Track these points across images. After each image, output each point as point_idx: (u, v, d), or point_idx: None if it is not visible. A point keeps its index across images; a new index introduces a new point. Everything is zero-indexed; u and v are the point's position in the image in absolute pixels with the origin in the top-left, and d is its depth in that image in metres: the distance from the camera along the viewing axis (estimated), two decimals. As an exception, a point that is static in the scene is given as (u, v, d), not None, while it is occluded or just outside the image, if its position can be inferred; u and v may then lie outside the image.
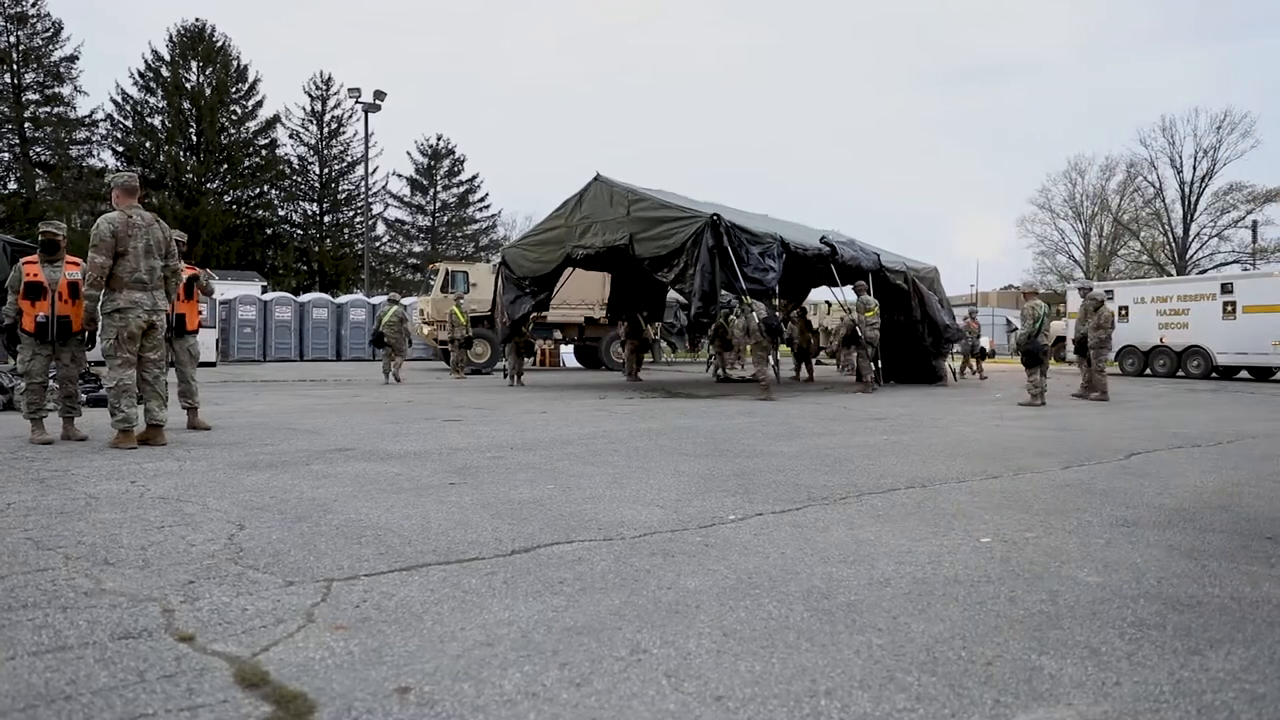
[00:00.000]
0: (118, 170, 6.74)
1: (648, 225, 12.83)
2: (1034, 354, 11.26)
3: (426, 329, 21.85)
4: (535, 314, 22.59)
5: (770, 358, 13.57)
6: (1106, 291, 23.55)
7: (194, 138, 45.12)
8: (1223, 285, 20.68)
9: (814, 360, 19.42)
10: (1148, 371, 21.71)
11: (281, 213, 49.37)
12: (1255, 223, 47.36)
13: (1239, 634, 2.44)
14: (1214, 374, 20.36)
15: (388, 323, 16.49)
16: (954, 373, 19.37)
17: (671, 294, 22.30)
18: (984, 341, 22.08)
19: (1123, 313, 22.06)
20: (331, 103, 50.18)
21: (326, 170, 50.40)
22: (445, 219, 55.90)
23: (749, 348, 12.79)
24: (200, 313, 8.11)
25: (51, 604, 2.56)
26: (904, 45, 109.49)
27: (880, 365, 16.90)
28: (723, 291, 14.14)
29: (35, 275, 6.61)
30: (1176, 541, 3.58)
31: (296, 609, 2.55)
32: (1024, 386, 11.79)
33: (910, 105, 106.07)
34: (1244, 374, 21.05)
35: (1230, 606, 2.70)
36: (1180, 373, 20.88)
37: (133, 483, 4.69)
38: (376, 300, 30.41)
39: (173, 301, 6.75)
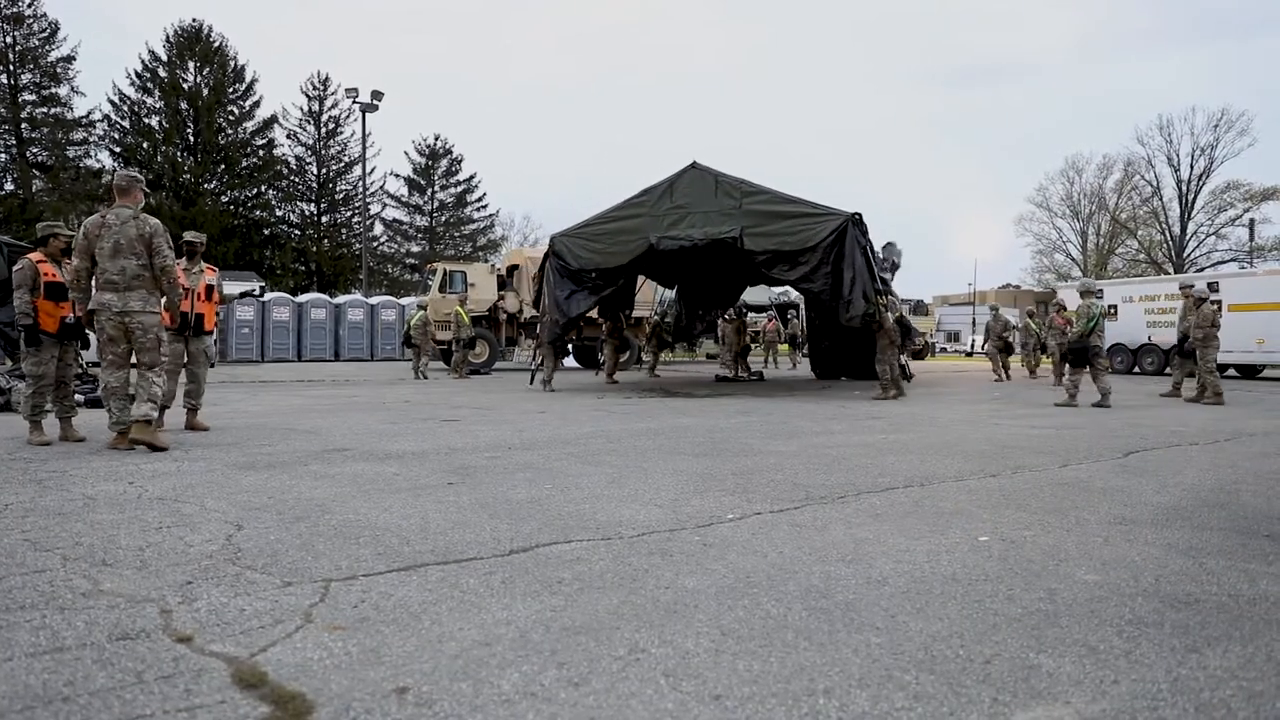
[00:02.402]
0: (114, 170, 6.56)
1: (765, 219, 12.21)
2: (1083, 352, 11.19)
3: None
4: (533, 311, 22.68)
5: (901, 356, 13.33)
6: (1096, 291, 23.63)
7: (191, 138, 45.05)
8: (1209, 284, 20.81)
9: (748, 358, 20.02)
10: (1136, 369, 21.85)
11: (279, 213, 49.30)
12: (1252, 221, 47.45)
13: (1236, 631, 2.45)
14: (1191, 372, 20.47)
15: (414, 326, 18.14)
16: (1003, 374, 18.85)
17: (668, 293, 22.23)
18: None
19: (1111, 311, 22.21)
20: (329, 103, 50.13)
21: (324, 170, 50.35)
22: (443, 219, 55.85)
23: (880, 346, 12.50)
24: (217, 315, 8.11)
25: (49, 605, 2.56)
26: (903, 45, 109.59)
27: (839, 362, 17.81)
28: (667, 292, 14.01)
29: (54, 276, 6.61)
30: (1174, 539, 3.59)
31: (294, 609, 2.55)
32: (1063, 385, 11.74)
33: (909, 105, 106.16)
34: (1231, 371, 21.15)
35: (1228, 604, 2.71)
36: (1167, 370, 21.00)
37: (130, 483, 4.69)
38: (375, 301, 30.40)
39: (177, 299, 6.46)
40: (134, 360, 6.28)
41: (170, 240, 6.32)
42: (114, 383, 6.18)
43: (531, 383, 14.62)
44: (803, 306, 20.26)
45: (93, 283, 6.16)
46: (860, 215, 12.01)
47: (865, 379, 17.11)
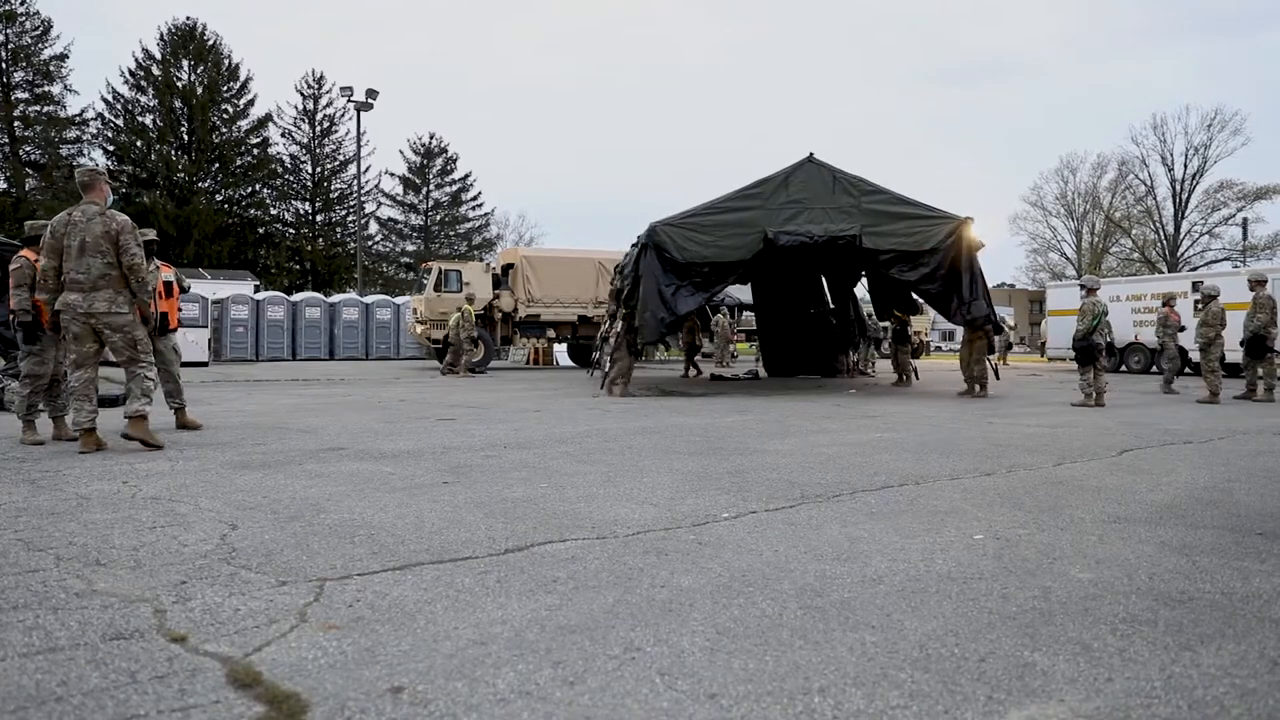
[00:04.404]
0: (78, 166, 6.32)
1: (884, 219, 12.33)
2: (1088, 351, 11.17)
3: (420, 327, 21.82)
4: (528, 311, 22.68)
5: (991, 356, 13.36)
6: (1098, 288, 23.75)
7: (185, 137, 44.96)
8: (1194, 284, 20.88)
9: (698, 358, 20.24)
10: (1123, 368, 21.95)
11: (274, 212, 49.27)
12: (1245, 220, 47.70)
13: (1230, 629, 2.46)
14: (1186, 370, 20.50)
15: (450, 326, 18.99)
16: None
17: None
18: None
19: None
20: (323, 101, 50.13)
21: (319, 169, 50.28)
22: (438, 218, 55.84)
23: (972, 345, 12.84)
24: (179, 309, 8.06)
25: (42, 605, 2.55)
26: (898, 44, 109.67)
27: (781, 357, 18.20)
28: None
29: None
30: (1168, 538, 3.60)
31: (289, 609, 2.54)
32: (1076, 386, 11.73)
33: (904, 104, 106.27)
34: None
35: (1221, 602, 2.72)
36: (1154, 369, 21.12)
37: (124, 483, 4.67)
38: (370, 300, 30.34)
39: (147, 299, 6.26)
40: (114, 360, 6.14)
41: (139, 238, 6.08)
42: (75, 384, 6.02)
43: (601, 386, 13.10)
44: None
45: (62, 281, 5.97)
46: (972, 219, 12.31)
47: (819, 375, 17.69)
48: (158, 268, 7.68)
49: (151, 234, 7.79)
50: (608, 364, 13.17)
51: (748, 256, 12.38)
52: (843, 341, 18.12)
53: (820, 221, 12.32)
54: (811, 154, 12.76)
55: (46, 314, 6.51)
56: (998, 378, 14.42)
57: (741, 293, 31.41)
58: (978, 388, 12.77)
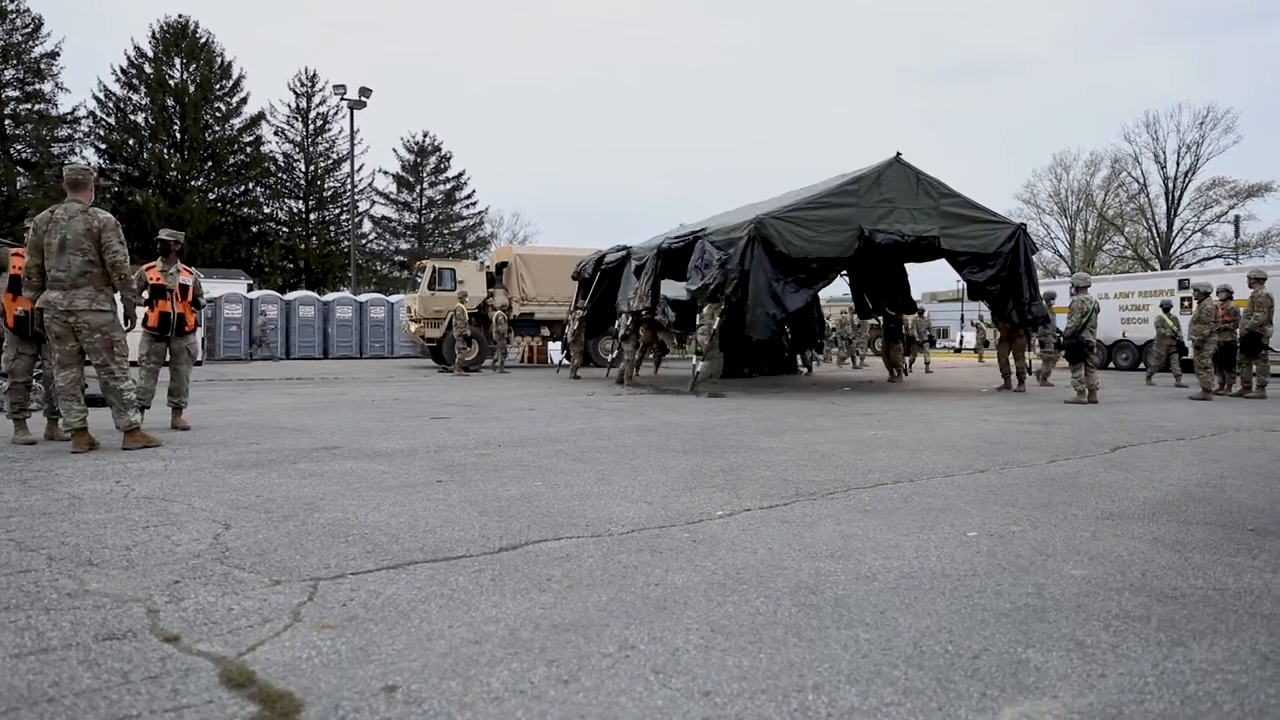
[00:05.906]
0: (77, 166, 6.16)
1: (957, 222, 12.83)
2: (1078, 348, 11.17)
3: (414, 326, 21.78)
4: (522, 309, 22.66)
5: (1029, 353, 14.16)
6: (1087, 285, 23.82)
7: (178, 135, 44.80)
8: (1180, 281, 20.97)
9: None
10: (1111, 365, 22.02)
11: (267, 210, 49.13)
12: (1238, 217, 47.81)
13: (1222, 625, 2.46)
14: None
15: (494, 323, 20.09)
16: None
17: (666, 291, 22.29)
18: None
19: None
20: (316, 99, 50.00)
21: (312, 167, 50.15)
22: (432, 216, 55.73)
23: (1013, 342, 13.48)
24: (194, 312, 8.01)
25: (34, 605, 2.54)
26: (897, 44, 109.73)
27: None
28: (631, 296, 14.27)
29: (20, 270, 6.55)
30: (1161, 534, 3.61)
31: (283, 608, 2.53)
32: (1069, 384, 11.75)
33: (898, 102, 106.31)
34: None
35: (1213, 598, 2.73)
36: (1141, 365, 21.26)
37: (117, 482, 4.65)
38: (363, 298, 30.30)
39: (132, 298, 6.27)
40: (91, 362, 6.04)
41: (122, 235, 5.98)
42: (61, 383, 5.94)
43: (691, 388, 12.51)
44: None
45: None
46: (1025, 225, 13.29)
47: (769, 374, 18.21)
48: (178, 269, 7.70)
49: (180, 235, 7.79)
50: (628, 359, 13.84)
51: (847, 254, 12.46)
52: (801, 341, 18.62)
53: (907, 221, 12.60)
54: (899, 154, 12.96)
55: (8, 316, 6.50)
56: (1030, 373, 14.61)
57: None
58: (1017, 382, 13.38)
